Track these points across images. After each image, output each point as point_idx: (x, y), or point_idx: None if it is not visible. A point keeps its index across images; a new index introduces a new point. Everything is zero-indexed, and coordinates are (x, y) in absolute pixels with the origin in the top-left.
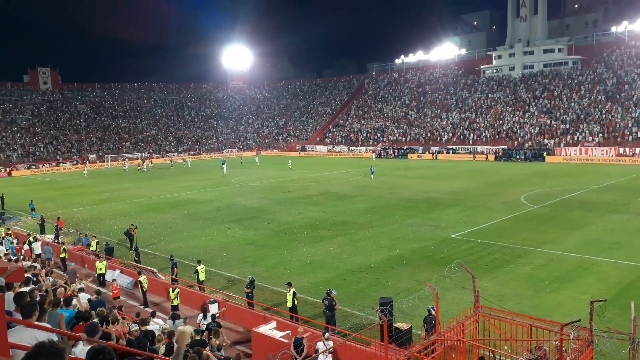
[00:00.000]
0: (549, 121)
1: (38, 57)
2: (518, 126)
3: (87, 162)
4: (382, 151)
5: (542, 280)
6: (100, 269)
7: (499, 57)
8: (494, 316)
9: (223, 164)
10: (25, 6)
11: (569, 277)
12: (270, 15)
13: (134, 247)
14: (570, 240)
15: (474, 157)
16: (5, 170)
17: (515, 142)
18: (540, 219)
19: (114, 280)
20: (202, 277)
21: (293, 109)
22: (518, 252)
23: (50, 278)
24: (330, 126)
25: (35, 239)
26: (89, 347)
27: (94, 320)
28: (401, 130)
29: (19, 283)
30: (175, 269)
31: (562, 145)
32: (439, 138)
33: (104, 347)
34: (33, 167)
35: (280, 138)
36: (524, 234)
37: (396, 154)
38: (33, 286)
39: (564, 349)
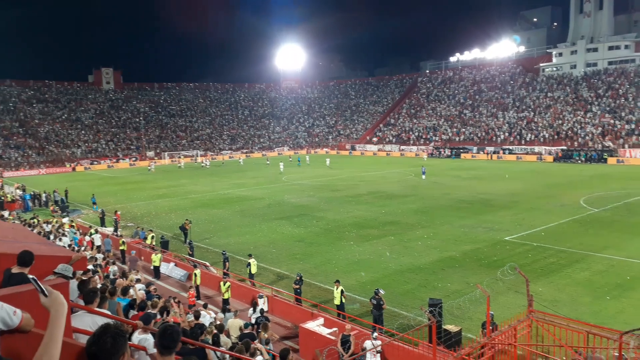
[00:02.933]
0: (612, 121)
1: (102, 58)
2: (579, 126)
3: (155, 158)
4: (434, 151)
5: (601, 286)
6: (154, 262)
7: (560, 54)
8: (548, 321)
9: (299, 160)
10: (90, 10)
11: (630, 284)
12: (324, 15)
13: (188, 241)
14: (633, 245)
15: (541, 158)
16: (70, 166)
17: (576, 143)
18: (600, 223)
19: (190, 287)
20: (253, 270)
21: (344, 108)
22: (576, 257)
23: (113, 267)
24: (381, 125)
25: (96, 231)
26: (143, 335)
27: (149, 310)
28: (455, 130)
29: (82, 271)
30: (227, 263)
31: (626, 146)
32: (494, 138)
33: (172, 325)
34: (95, 162)
35: (330, 137)
36: (582, 238)
37: (449, 153)
38: (93, 275)
39: (623, 357)
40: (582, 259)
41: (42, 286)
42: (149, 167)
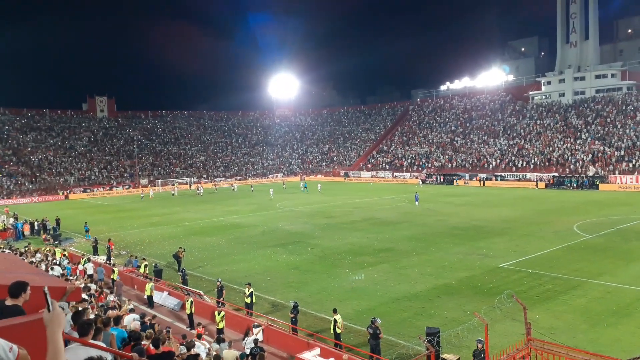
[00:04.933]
0: (602, 148)
1: (96, 86)
2: (569, 153)
3: (149, 185)
4: (426, 177)
5: (598, 313)
6: (146, 291)
7: (548, 83)
8: (547, 350)
9: (305, 186)
10: (85, 39)
11: (627, 311)
12: (316, 44)
13: (181, 269)
14: (628, 272)
15: (537, 185)
16: (63, 194)
17: (567, 170)
18: (594, 249)
19: (199, 324)
20: (254, 299)
21: (337, 136)
22: (571, 284)
23: (110, 296)
24: (374, 152)
25: (89, 260)
26: None
27: (144, 342)
28: (447, 157)
29: (75, 302)
30: (223, 292)
31: (617, 172)
32: (486, 164)
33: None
34: (88, 190)
35: (323, 164)
36: (577, 264)
37: (441, 180)
38: (87, 306)
39: None
40: (578, 286)
41: (50, 300)
42: (142, 195)
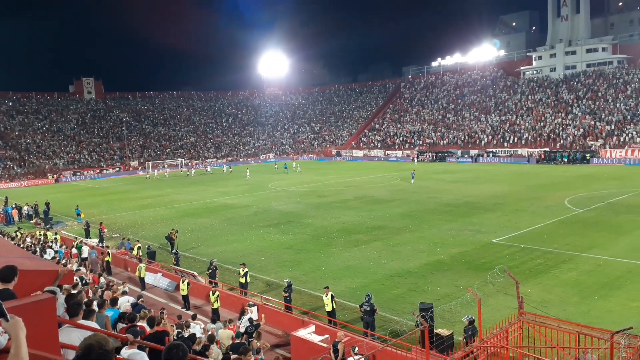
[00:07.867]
0: (593, 122)
1: (83, 67)
2: (560, 128)
3: (157, 167)
4: (419, 155)
5: (589, 286)
6: (137, 272)
7: (540, 57)
8: (538, 323)
9: (285, 167)
10: (70, 20)
11: (617, 283)
12: (306, 22)
13: (173, 251)
14: (618, 245)
15: (529, 160)
16: (53, 177)
17: (558, 145)
18: (585, 223)
19: (230, 321)
20: (248, 279)
21: (328, 114)
22: (562, 257)
23: (102, 279)
24: (366, 130)
25: (82, 243)
26: (132, 349)
27: (139, 322)
28: (439, 134)
29: (69, 285)
30: (217, 272)
31: (607, 147)
32: (477, 141)
33: (179, 344)
34: (78, 174)
35: (315, 143)
36: (568, 238)
37: (434, 157)
38: (80, 288)
39: (614, 357)
40: (569, 260)
41: (4, 311)
42: (147, 176)
